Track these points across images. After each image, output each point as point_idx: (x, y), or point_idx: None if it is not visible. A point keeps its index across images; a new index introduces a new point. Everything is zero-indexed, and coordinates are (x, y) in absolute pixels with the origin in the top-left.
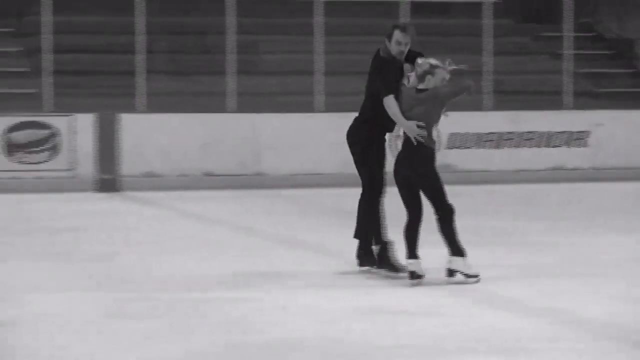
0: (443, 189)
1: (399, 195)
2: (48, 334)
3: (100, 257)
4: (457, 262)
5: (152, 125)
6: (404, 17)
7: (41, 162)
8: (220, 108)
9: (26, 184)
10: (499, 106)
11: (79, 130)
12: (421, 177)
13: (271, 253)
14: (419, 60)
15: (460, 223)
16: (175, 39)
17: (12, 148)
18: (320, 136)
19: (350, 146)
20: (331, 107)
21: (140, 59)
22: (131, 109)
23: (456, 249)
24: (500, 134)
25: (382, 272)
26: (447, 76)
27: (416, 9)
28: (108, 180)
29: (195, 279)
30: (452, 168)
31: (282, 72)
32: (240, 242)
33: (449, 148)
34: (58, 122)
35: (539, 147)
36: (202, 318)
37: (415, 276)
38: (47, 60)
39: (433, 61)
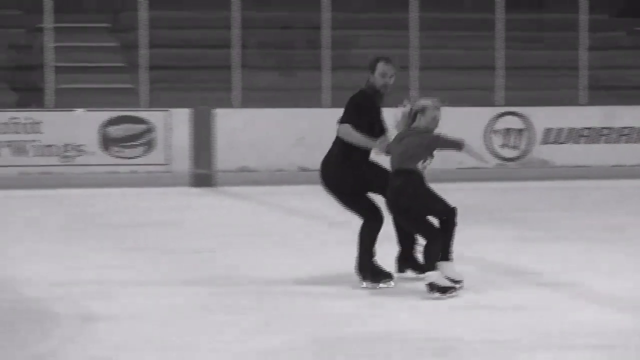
0: (438, 201)
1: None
2: (146, 328)
3: (196, 251)
4: (445, 268)
5: (247, 120)
6: (500, 12)
7: (137, 157)
8: (315, 103)
9: (122, 178)
10: (594, 101)
11: (174, 125)
12: (412, 199)
13: None
14: (404, 103)
15: (561, 219)
16: (270, 34)
17: (109, 142)
18: None
19: (335, 193)
20: None
21: (235, 54)
22: (226, 103)
23: (448, 254)
24: (595, 130)
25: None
26: (439, 116)
27: (511, 4)
28: (203, 175)
29: (291, 273)
30: (548, 164)
31: None
32: (336, 237)
33: (544, 143)
34: (154, 117)
35: (634, 142)
36: (298, 312)
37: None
38: (143, 55)
39: (423, 101)
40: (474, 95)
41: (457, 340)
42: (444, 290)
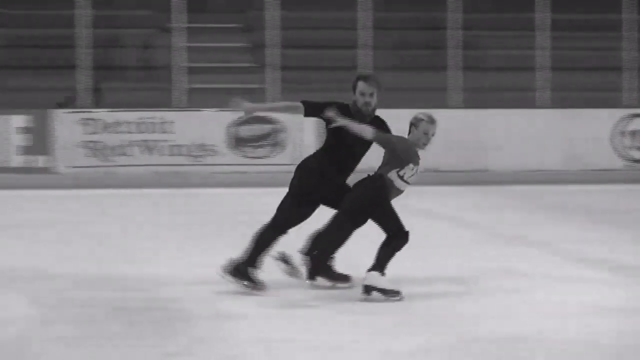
0: (394, 217)
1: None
2: (277, 326)
3: None
4: (374, 277)
5: None
6: (627, 13)
7: (265, 157)
8: (445, 103)
9: (250, 178)
10: None
11: (304, 125)
12: (372, 203)
13: (498, 249)
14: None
15: None
16: (400, 34)
17: (238, 142)
18: (544, 132)
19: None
20: (557, 103)
21: (365, 54)
22: None
23: (382, 268)
24: None
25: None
26: (432, 131)
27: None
28: None
29: (423, 273)
30: None
31: (506, 68)
32: (469, 237)
33: None
34: (284, 117)
35: None
36: (434, 313)
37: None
38: (272, 55)
39: (420, 114)
40: (602, 97)
41: (593, 344)
42: (393, 293)
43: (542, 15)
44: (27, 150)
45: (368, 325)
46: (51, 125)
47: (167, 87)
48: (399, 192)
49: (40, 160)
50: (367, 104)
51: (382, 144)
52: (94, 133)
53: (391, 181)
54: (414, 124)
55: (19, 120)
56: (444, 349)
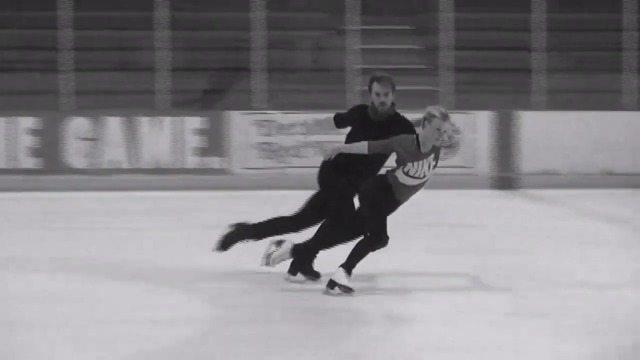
0: (381, 220)
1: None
2: (444, 330)
3: (501, 254)
4: (340, 275)
5: (551, 123)
6: None
7: (442, 159)
8: (619, 106)
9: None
10: None
11: (477, 127)
12: (367, 196)
13: None
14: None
15: None
16: (573, 36)
17: None
18: None
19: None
20: None
21: (538, 56)
22: (529, 106)
23: (350, 266)
24: None
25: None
26: (443, 127)
27: None
28: (505, 178)
29: (598, 278)
30: None
31: None
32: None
33: None
34: (458, 119)
35: None
36: (613, 315)
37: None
38: (446, 57)
39: (433, 110)
40: None
41: None
42: (347, 289)
43: None
44: (203, 152)
45: (536, 329)
46: (226, 126)
47: (341, 89)
48: (412, 187)
49: (215, 162)
50: (382, 103)
51: (381, 152)
52: (268, 135)
53: (395, 178)
54: (427, 119)
55: (194, 122)
56: (614, 354)
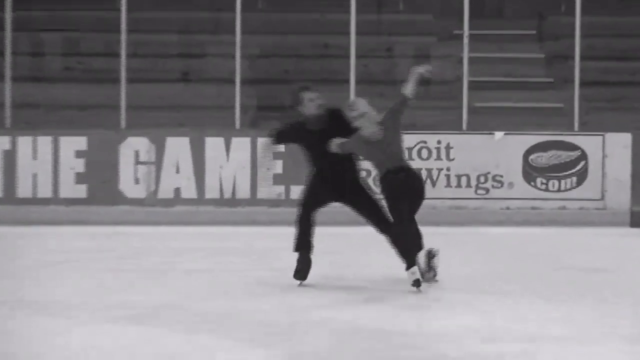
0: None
1: None
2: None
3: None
4: (413, 274)
5: None
6: None
7: (566, 190)
8: None
9: (546, 214)
10: None
11: (611, 152)
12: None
13: None
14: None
15: None
16: None
17: (533, 172)
18: None
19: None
20: None
21: None
22: None
23: (408, 262)
24: None
25: None
26: (352, 114)
27: None
28: None
29: None
30: None
31: None
32: None
33: None
34: (586, 142)
35: None
36: None
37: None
38: (569, 68)
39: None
40: None
41: None
42: (423, 278)
43: None
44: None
45: None
46: None
47: (449, 105)
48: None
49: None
50: (320, 105)
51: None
52: None
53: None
54: (360, 115)
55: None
56: None
